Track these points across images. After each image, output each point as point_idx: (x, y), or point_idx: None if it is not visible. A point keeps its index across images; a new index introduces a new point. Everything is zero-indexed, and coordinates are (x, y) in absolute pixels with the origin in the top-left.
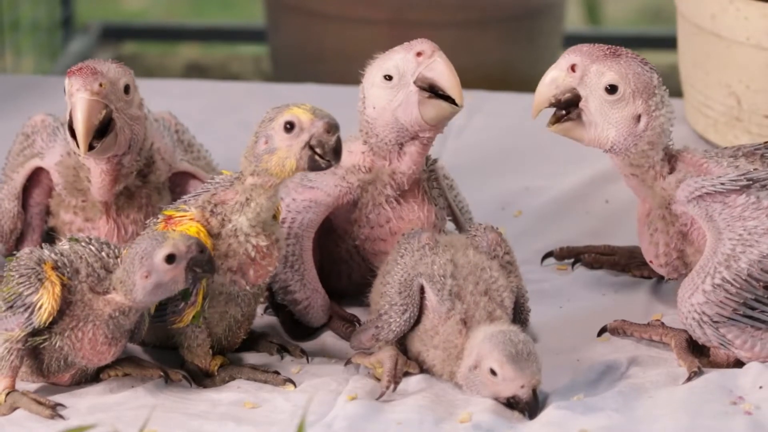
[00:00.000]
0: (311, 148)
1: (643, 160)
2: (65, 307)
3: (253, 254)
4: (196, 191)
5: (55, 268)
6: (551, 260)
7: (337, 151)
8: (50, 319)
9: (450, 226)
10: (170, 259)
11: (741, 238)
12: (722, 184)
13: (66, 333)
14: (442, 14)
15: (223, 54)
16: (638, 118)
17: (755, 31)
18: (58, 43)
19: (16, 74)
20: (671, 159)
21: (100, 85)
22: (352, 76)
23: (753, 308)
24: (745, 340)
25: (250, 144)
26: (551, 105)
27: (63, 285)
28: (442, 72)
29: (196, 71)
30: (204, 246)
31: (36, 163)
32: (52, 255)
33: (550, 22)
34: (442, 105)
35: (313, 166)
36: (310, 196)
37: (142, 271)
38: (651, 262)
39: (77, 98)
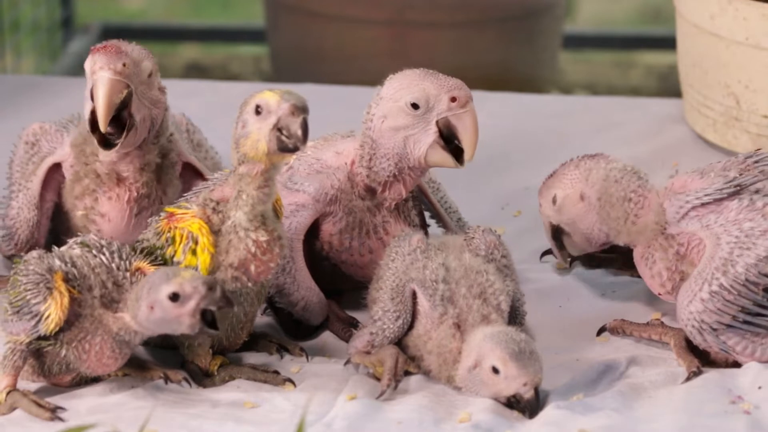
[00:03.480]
0: (279, 130)
1: (616, 223)
2: (74, 319)
3: (253, 249)
4: (197, 188)
5: (66, 280)
6: (550, 259)
7: (302, 134)
8: (56, 329)
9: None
10: (174, 297)
11: (738, 241)
12: (707, 195)
13: (73, 344)
14: (442, 14)
15: (223, 54)
16: (581, 196)
17: (754, 32)
18: (58, 44)
19: (16, 74)
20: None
21: (124, 65)
22: (351, 76)
23: (753, 314)
24: (745, 346)
25: (233, 132)
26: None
27: (73, 298)
28: (468, 127)
29: (196, 71)
30: (214, 283)
31: (49, 162)
32: (63, 265)
33: (550, 22)
34: (449, 159)
35: (283, 148)
36: (296, 200)
37: (148, 301)
38: (660, 294)
39: (99, 76)
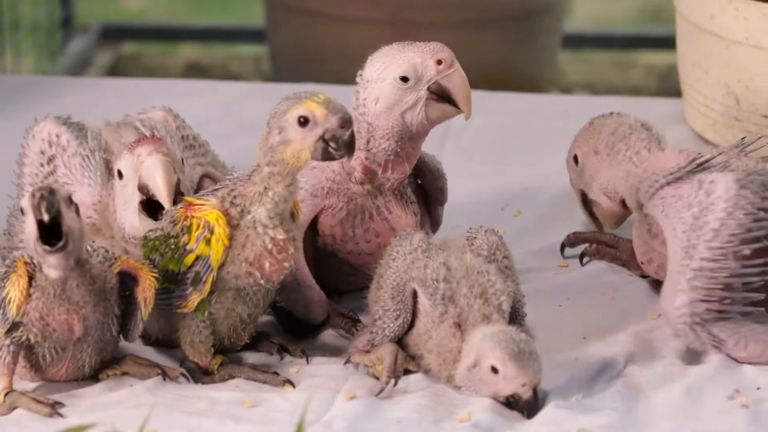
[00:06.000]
0: (325, 141)
1: (622, 181)
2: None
3: (270, 246)
4: (215, 187)
5: (27, 262)
6: (550, 259)
7: (350, 145)
8: (20, 311)
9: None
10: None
11: (692, 225)
12: (671, 174)
13: (28, 323)
14: (442, 14)
15: (223, 54)
16: (595, 151)
17: (754, 31)
18: (58, 44)
19: (16, 74)
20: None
21: (167, 149)
22: (352, 76)
23: (735, 288)
24: (737, 340)
25: (263, 135)
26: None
27: (30, 277)
28: (459, 86)
29: (196, 71)
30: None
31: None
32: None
33: (550, 22)
34: (448, 109)
35: (327, 157)
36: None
37: None
38: (642, 263)
39: (153, 159)
